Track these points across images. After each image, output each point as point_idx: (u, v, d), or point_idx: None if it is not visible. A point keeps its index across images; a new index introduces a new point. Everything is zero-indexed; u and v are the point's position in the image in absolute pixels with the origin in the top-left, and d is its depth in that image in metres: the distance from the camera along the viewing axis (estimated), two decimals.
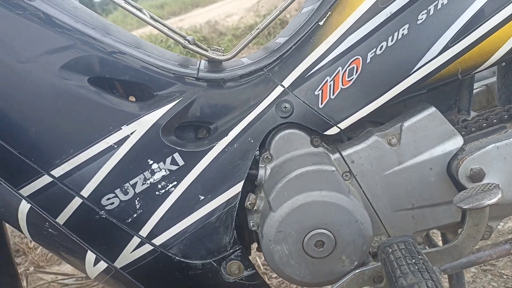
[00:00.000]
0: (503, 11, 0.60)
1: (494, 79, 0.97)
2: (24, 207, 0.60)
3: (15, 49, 0.61)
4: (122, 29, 0.75)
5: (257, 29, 0.69)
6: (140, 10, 0.78)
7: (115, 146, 0.64)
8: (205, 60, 0.75)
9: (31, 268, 1.82)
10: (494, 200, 0.56)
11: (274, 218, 0.63)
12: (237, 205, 0.68)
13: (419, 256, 0.58)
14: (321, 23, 0.66)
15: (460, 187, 0.67)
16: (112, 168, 0.64)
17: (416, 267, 0.55)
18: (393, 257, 0.58)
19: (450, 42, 0.62)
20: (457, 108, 0.76)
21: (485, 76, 1.02)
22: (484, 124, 0.70)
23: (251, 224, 0.68)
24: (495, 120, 0.71)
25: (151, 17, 0.81)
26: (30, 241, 2.06)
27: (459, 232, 0.63)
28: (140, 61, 0.66)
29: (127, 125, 0.64)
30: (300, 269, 0.66)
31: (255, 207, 0.68)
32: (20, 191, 0.61)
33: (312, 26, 0.67)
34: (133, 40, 0.71)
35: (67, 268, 1.84)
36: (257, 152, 0.70)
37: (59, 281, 1.70)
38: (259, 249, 0.83)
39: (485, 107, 0.96)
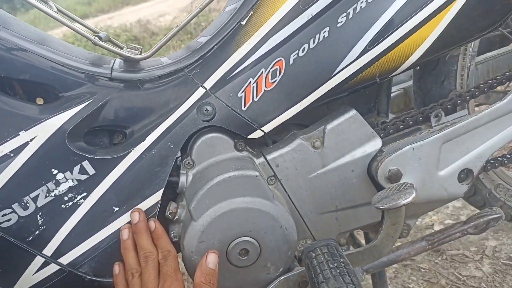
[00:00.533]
0: (417, 16, 0.62)
1: (410, 82, 1.02)
2: None
3: None
4: (24, 23, 0.67)
5: (176, 26, 0.65)
6: (45, 2, 0.70)
7: (11, 155, 0.56)
8: (120, 59, 0.69)
9: None
10: (409, 200, 0.58)
11: (196, 228, 0.59)
12: (157, 215, 0.64)
13: (341, 260, 0.58)
14: (243, 22, 0.64)
15: (379, 188, 0.68)
16: (8, 180, 0.56)
17: (338, 271, 0.55)
18: (316, 262, 0.58)
19: (368, 46, 0.63)
20: (376, 111, 0.79)
21: (402, 80, 1.07)
22: (401, 126, 0.73)
23: (172, 235, 0.64)
24: (411, 122, 0.74)
25: (59, 11, 0.73)
26: None
27: (379, 231, 0.64)
28: (43, 58, 0.59)
29: (25, 130, 0.56)
30: (224, 280, 0.63)
31: (176, 217, 0.64)
32: None
33: (235, 26, 0.64)
34: (36, 35, 0.63)
35: None
36: (179, 158, 0.66)
37: None
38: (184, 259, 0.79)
39: (403, 110, 1.01)
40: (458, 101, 0.74)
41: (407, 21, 0.63)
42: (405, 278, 1.11)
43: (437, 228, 1.28)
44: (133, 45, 0.71)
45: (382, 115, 0.79)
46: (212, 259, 0.56)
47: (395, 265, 1.16)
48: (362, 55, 0.63)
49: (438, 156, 0.68)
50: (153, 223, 0.62)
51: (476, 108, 0.92)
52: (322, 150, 0.68)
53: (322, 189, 0.69)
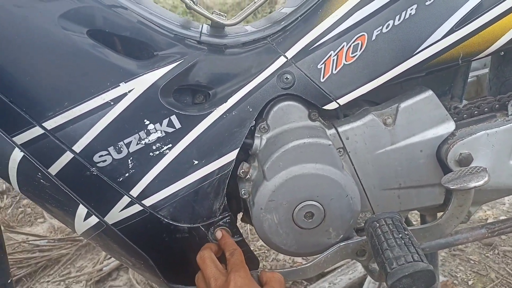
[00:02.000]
0: (508, 1, 0.61)
1: (484, 70, 0.99)
2: (17, 155, 0.58)
3: None
4: None
5: None
6: None
7: (112, 103, 0.62)
8: (207, 24, 0.73)
9: (1, 228, 1.79)
10: (480, 183, 0.59)
11: (267, 187, 0.64)
12: (230, 172, 0.68)
13: (405, 232, 0.60)
14: None
15: (447, 171, 0.69)
16: (107, 125, 0.63)
17: (403, 241, 0.57)
18: (380, 231, 0.60)
19: (455, 26, 0.62)
20: (450, 95, 0.78)
21: (476, 67, 1.04)
22: (476, 112, 0.73)
23: (243, 192, 0.68)
24: (486, 109, 0.73)
25: None
26: (1, 201, 2.01)
27: (442, 213, 0.66)
28: (142, 18, 0.64)
29: (125, 82, 0.62)
30: (288, 238, 0.67)
31: (248, 176, 0.69)
32: (13, 139, 0.59)
33: None
34: None
35: (38, 229, 1.82)
36: (253, 122, 0.70)
37: (30, 242, 1.68)
38: (243, 219, 0.84)
39: (474, 98, 0.99)
40: None
41: (496, 5, 0.62)
42: (452, 267, 1.11)
43: None
44: (219, 12, 0.75)
45: (455, 100, 0.78)
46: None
47: (443, 254, 1.16)
48: (448, 35, 0.63)
49: (511, 145, 0.68)
50: (220, 233, 0.70)
51: None
52: (393, 127, 0.69)
53: (388, 166, 0.71)
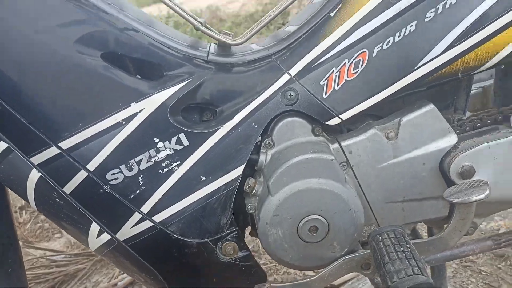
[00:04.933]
0: (507, 15, 0.62)
1: (490, 81, 1.00)
2: (34, 175, 0.61)
3: (33, 19, 0.62)
4: (135, 7, 0.76)
5: (269, 15, 0.71)
6: None
7: (123, 123, 0.65)
8: (214, 43, 0.76)
9: (20, 243, 1.83)
10: (481, 197, 0.60)
11: (272, 202, 0.65)
12: (237, 187, 0.71)
13: (407, 245, 0.61)
14: (332, 14, 0.68)
15: (450, 183, 0.70)
16: (119, 144, 0.66)
17: (404, 254, 0.58)
18: (383, 245, 0.62)
19: (455, 42, 0.64)
20: (453, 107, 0.79)
21: (482, 78, 1.04)
22: (479, 124, 0.74)
23: (249, 207, 0.70)
24: (489, 121, 0.74)
25: None
26: (20, 216, 2.07)
27: (445, 225, 0.66)
28: (152, 40, 0.67)
29: (136, 102, 0.65)
30: (293, 252, 0.69)
31: (254, 191, 0.71)
32: (31, 159, 0.62)
33: (323, 17, 0.68)
34: (146, 18, 0.72)
35: (56, 245, 1.86)
36: (259, 138, 0.72)
37: (48, 257, 1.72)
38: (252, 233, 0.86)
39: (480, 109, 0.99)
40: None
41: (495, 20, 0.63)
42: (464, 279, 1.10)
43: None
44: (226, 31, 0.78)
45: (459, 112, 0.79)
46: None
47: (454, 265, 1.15)
48: (447, 51, 0.64)
49: None
50: None
51: None
52: (396, 141, 0.71)
53: (392, 179, 0.72)
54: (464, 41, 0.64)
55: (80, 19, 0.63)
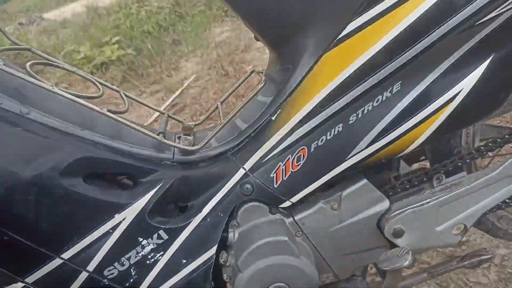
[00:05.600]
0: (413, 119, 0.75)
1: None
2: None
3: (19, 160, 0.73)
4: (102, 115, 0.84)
5: (226, 118, 0.83)
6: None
7: (111, 231, 0.79)
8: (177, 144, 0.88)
9: None
10: (405, 264, 0.76)
11: (243, 278, 0.81)
12: (213, 262, 0.86)
13: None
14: (273, 118, 0.80)
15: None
16: (110, 247, 0.79)
17: None
18: None
19: (374, 139, 0.77)
20: (389, 167, 0.93)
21: None
22: (408, 186, 0.88)
23: (225, 276, 0.86)
24: (416, 182, 0.88)
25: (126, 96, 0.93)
26: None
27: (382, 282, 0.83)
28: (125, 153, 0.78)
29: (119, 213, 0.78)
30: None
31: (228, 263, 0.86)
32: (32, 275, 0.76)
33: (266, 119, 0.80)
34: (114, 130, 0.83)
35: None
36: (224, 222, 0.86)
37: None
38: None
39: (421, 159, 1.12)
40: (459, 163, 0.87)
41: (406, 121, 0.76)
42: None
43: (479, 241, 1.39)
44: (188, 121, 0.89)
45: (393, 171, 0.93)
46: None
47: None
48: (369, 146, 0.78)
49: (436, 216, 0.83)
50: None
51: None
52: (339, 211, 0.85)
53: (340, 238, 0.88)
54: (381, 139, 0.77)
55: (61, 153, 0.74)
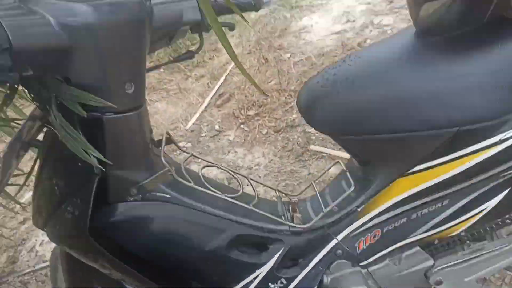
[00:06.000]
0: (457, 220, 1.14)
1: None
2: None
3: (202, 237, 1.15)
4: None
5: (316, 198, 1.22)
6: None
7: (253, 280, 1.21)
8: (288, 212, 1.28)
9: None
10: None
11: None
12: None
13: None
14: (359, 209, 1.18)
15: None
16: None
17: None
18: None
19: (428, 230, 1.16)
20: None
21: None
22: (446, 248, 1.28)
23: None
24: (452, 246, 1.28)
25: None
26: None
27: None
28: (264, 230, 1.20)
29: (258, 269, 1.21)
30: None
31: None
32: None
33: (353, 208, 1.19)
34: (247, 211, 1.23)
35: None
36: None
37: None
38: None
39: None
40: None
41: (451, 221, 1.15)
42: None
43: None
44: (293, 199, 1.29)
45: None
46: None
47: None
48: (424, 233, 1.17)
49: (465, 272, 1.24)
50: None
51: None
52: (399, 266, 1.27)
53: (399, 282, 1.29)
54: (433, 230, 1.16)
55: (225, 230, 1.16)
